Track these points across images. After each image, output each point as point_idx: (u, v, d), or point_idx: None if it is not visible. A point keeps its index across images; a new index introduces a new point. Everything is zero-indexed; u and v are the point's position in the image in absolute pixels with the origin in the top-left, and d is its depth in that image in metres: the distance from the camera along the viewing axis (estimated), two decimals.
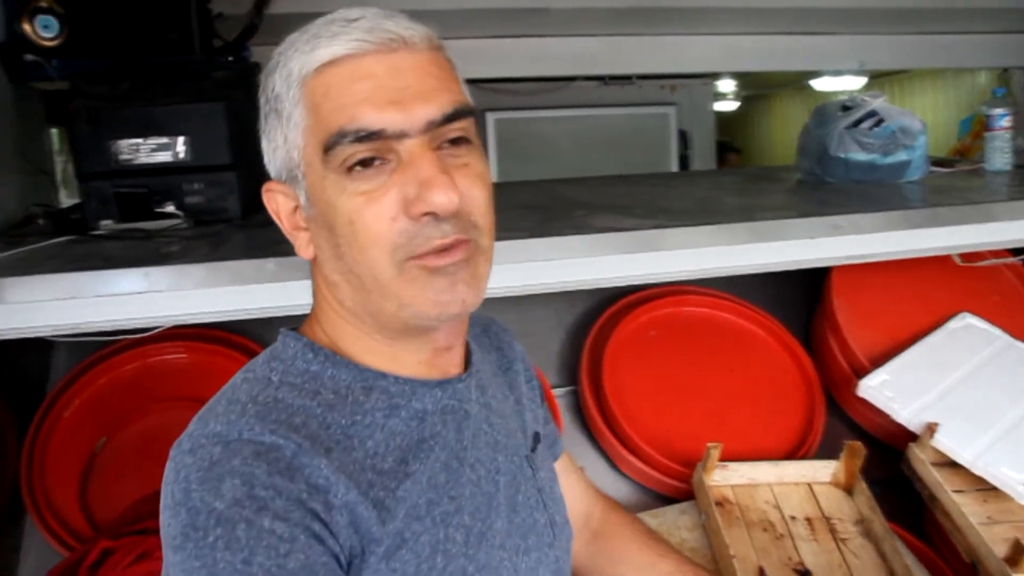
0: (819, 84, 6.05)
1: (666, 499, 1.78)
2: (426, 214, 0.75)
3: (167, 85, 1.63)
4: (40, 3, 1.63)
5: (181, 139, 1.56)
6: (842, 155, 1.99)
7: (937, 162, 2.25)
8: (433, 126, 0.76)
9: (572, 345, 2.01)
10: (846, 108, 2.05)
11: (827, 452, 1.78)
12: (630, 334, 1.94)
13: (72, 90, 1.61)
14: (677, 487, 1.75)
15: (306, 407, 0.78)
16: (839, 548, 1.58)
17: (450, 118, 0.77)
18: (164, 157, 1.56)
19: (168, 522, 0.71)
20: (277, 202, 0.84)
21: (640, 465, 1.76)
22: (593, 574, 1.19)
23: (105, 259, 1.31)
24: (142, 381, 1.71)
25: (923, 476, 1.68)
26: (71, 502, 1.58)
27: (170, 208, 1.58)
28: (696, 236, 1.46)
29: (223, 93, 1.60)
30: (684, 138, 5.37)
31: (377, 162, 0.75)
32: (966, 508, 1.58)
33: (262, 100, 0.83)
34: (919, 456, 1.69)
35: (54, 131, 2.23)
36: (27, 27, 1.63)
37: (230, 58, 1.87)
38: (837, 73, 5.35)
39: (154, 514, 0.78)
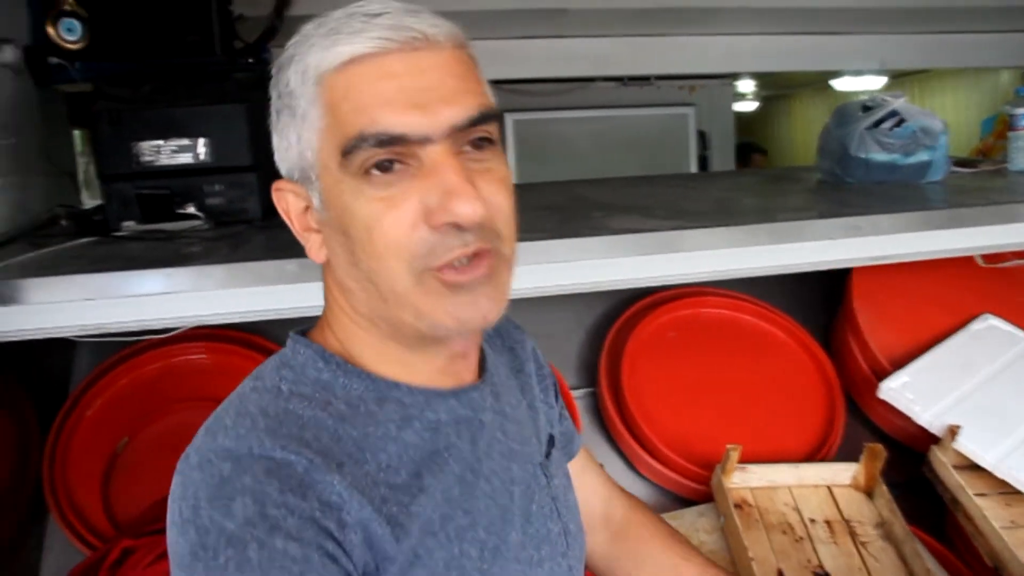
0: (840, 84, 6.01)
1: (685, 501, 1.77)
2: (448, 224, 0.72)
3: (188, 87, 1.64)
4: (64, 7, 1.65)
5: (202, 141, 1.57)
6: (863, 155, 1.98)
7: (959, 162, 2.23)
8: (456, 130, 0.73)
9: (591, 346, 2.01)
10: (867, 108, 2.03)
11: (847, 455, 1.77)
12: (649, 335, 1.93)
13: (94, 92, 1.62)
14: (696, 489, 1.74)
15: (317, 419, 0.75)
16: (859, 551, 1.57)
17: (474, 122, 0.74)
18: (185, 159, 1.57)
19: (176, 540, 0.69)
20: (287, 201, 0.81)
21: (658, 467, 1.76)
22: (615, 575, 1.17)
23: (127, 260, 1.31)
24: (164, 381, 1.72)
25: (945, 479, 1.67)
26: (93, 501, 1.59)
27: (191, 209, 1.58)
28: (715, 237, 1.45)
29: (244, 95, 1.61)
30: (703, 139, 5.35)
31: (397, 166, 0.72)
32: (989, 512, 1.57)
33: (274, 95, 0.80)
34: (940, 459, 1.68)
35: (77, 133, 2.25)
36: (51, 30, 1.65)
37: (250, 60, 1.88)
38: (858, 73, 5.32)
39: None
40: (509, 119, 4.85)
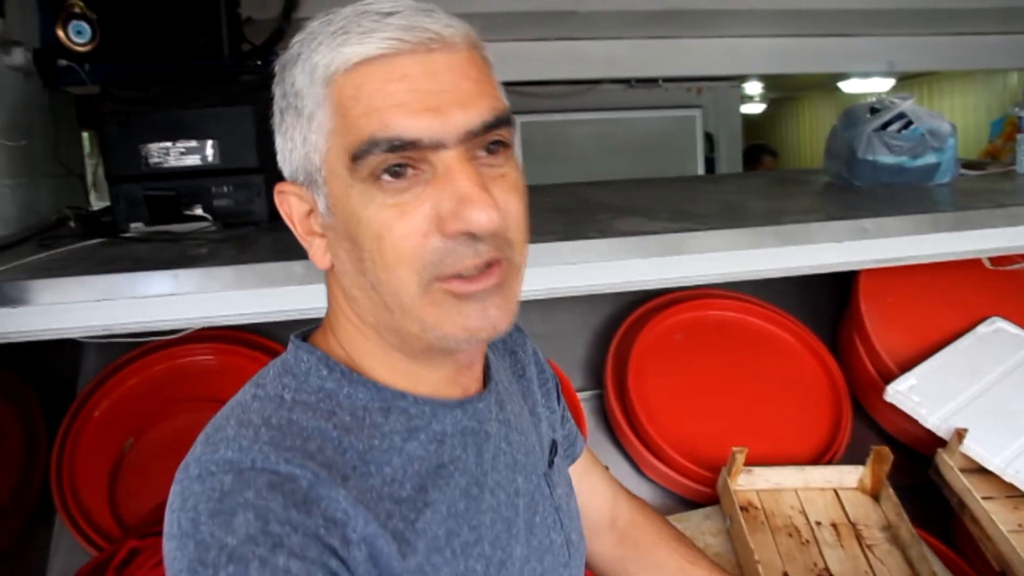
0: (847, 86, 5.99)
1: (691, 503, 1.77)
2: (462, 233, 0.69)
3: (196, 89, 1.64)
4: (73, 9, 1.66)
5: (210, 143, 1.57)
6: (870, 158, 1.98)
7: (967, 165, 2.22)
8: (471, 135, 0.70)
9: (597, 348, 2.01)
10: (874, 110, 2.03)
11: (854, 457, 1.77)
12: (655, 338, 1.93)
13: (103, 94, 1.63)
14: (702, 491, 1.74)
15: (322, 429, 0.73)
16: (865, 554, 1.57)
17: (489, 127, 0.71)
18: (193, 160, 1.58)
19: (174, 554, 0.67)
20: (290, 204, 0.79)
21: (665, 469, 1.76)
22: None
23: (135, 261, 1.32)
24: (170, 382, 1.72)
25: (952, 482, 1.66)
26: (100, 502, 1.60)
27: (198, 211, 1.59)
28: (722, 239, 1.45)
29: (251, 97, 1.61)
30: (710, 141, 5.34)
31: (409, 172, 0.70)
32: (996, 515, 1.56)
33: (278, 93, 0.77)
34: (947, 462, 1.68)
35: (85, 135, 2.26)
36: (60, 33, 1.66)
37: (258, 62, 1.88)
38: (866, 75, 5.30)
39: None
40: (516, 121, 4.84)
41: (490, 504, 0.81)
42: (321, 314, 0.86)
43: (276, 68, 0.77)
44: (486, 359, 0.90)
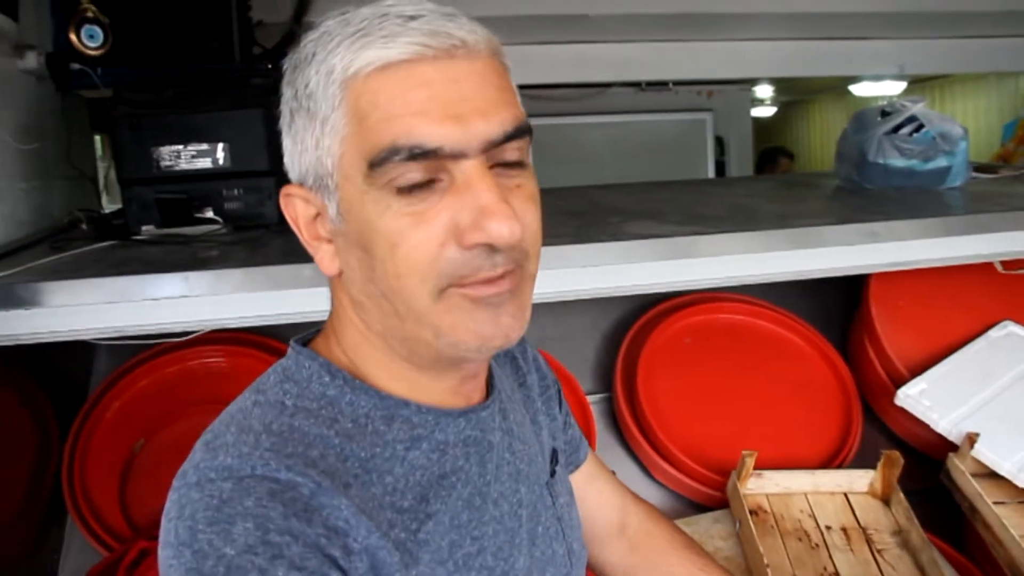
0: (859, 89, 5.97)
1: (700, 507, 1.77)
2: (480, 245, 0.68)
3: (208, 92, 1.65)
4: (86, 14, 1.67)
5: (221, 146, 1.58)
6: (881, 161, 1.97)
7: (979, 168, 2.22)
8: (492, 145, 0.69)
9: (607, 351, 2.01)
10: (885, 114, 2.02)
11: (864, 461, 1.76)
12: (665, 341, 1.93)
13: (115, 97, 1.64)
14: (711, 495, 1.74)
15: (323, 437, 0.72)
16: (875, 559, 1.56)
17: (509, 137, 0.70)
18: (204, 163, 1.58)
19: (170, 562, 0.65)
20: (295, 208, 0.77)
21: (674, 472, 1.76)
22: None
23: (146, 264, 1.33)
24: (180, 384, 1.73)
25: (963, 487, 1.66)
26: (110, 502, 1.60)
27: (209, 214, 1.60)
28: (731, 243, 1.45)
29: (262, 100, 1.62)
30: (721, 144, 5.33)
31: (428, 181, 0.68)
32: (1007, 520, 1.55)
33: (288, 93, 0.74)
34: (959, 467, 1.67)
35: (98, 138, 2.27)
36: (73, 37, 1.67)
37: (270, 65, 1.89)
38: (877, 78, 5.28)
39: None
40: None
41: (493, 515, 0.81)
42: None
43: (286, 67, 0.75)
44: (489, 368, 0.89)
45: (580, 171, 4.68)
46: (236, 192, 1.61)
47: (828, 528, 1.63)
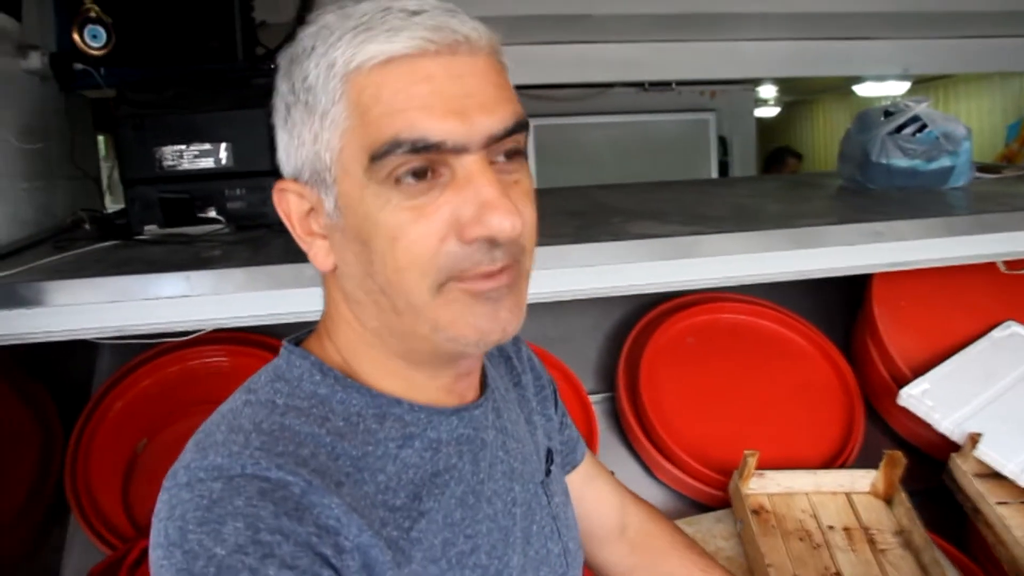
0: (862, 90, 5.96)
1: (702, 507, 1.77)
2: (482, 239, 0.68)
3: (210, 92, 1.65)
4: (89, 14, 1.67)
5: (223, 145, 1.58)
6: (884, 161, 1.97)
7: (983, 168, 2.21)
8: (493, 140, 0.69)
9: (609, 351, 2.01)
10: (888, 114, 2.02)
11: (866, 461, 1.76)
12: (667, 341, 1.93)
13: (118, 98, 1.64)
14: (713, 495, 1.74)
15: (315, 435, 0.72)
16: (877, 559, 1.56)
17: (509, 132, 0.70)
18: (207, 163, 1.58)
19: (160, 563, 0.65)
20: (289, 203, 0.76)
21: (676, 472, 1.76)
22: None
23: (148, 263, 1.33)
24: (183, 383, 1.73)
25: (965, 487, 1.66)
26: (113, 501, 1.61)
27: (212, 213, 1.60)
28: (734, 242, 1.44)
29: (265, 100, 1.61)
30: (724, 144, 5.33)
31: (429, 174, 0.68)
32: (1010, 520, 1.55)
33: (283, 87, 0.75)
34: (961, 467, 1.67)
35: (101, 138, 2.27)
36: (76, 37, 1.67)
37: (272, 66, 1.89)
38: (881, 78, 5.28)
39: None
40: (530, 124, 4.84)
41: (487, 513, 0.80)
42: None
43: (281, 62, 0.75)
44: (483, 367, 0.89)
45: (582, 171, 4.69)
46: (238, 192, 1.61)
47: (830, 528, 1.63)
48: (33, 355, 1.34)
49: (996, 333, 1.91)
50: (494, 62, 0.73)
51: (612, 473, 1.21)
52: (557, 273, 1.35)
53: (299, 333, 0.86)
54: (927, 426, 1.74)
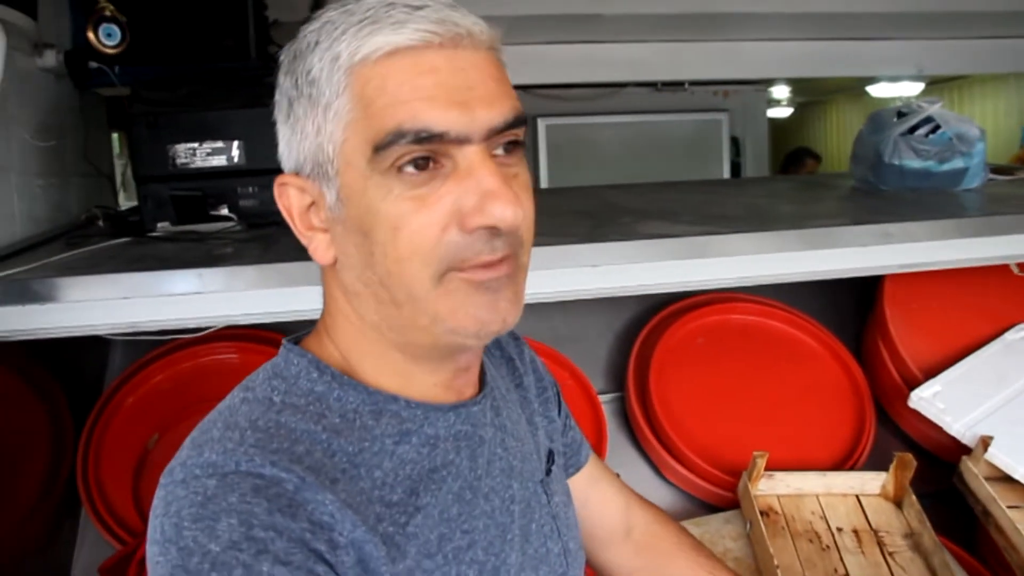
0: (876, 90, 5.95)
1: (711, 507, 1.77)
2: (483, 228, 0.69)
3: (224, 91, 1.66)
4: (104, 12, 1.68)
5: (236, 143, 1.59)
6: (896, 162, 1.96)
7: (997, 169, 2.20)
8: (494, 132, 0.70)
9: (620, 351, 2.01)
10: (901, 114, 2.01)
11: (876, 463, 1.76)
12: (678, 341, 1.93)
13: (131, 95, 1.65)
14: (722, 496, 1.74)
15: (310, 432, 0.72)
16: (886, 561, 1.55)
17: (509, 125, 0.71)
18: (219, 161, 1.59)
19: (156, 559, 0.66)
20: (289, 197, 0.77)
21: (685, 473, 1.76)
22: None
23: (161, 260, 1.33)
24: (194, 380, 1.74)
25: (976, 491, 1.65)
26: (124, 496, 1.62)
27: (224, 211, 1.61)
28: (745, 243, 1.44)
29: None
30: (736, 145, 5.32)
31: (431, 165, 0.69)
32: (1021, 524, 1.54)
33: (286, 83, 0.75)
34: (972, 470, 1.66)
35: (115, 135, 2.29)
36: (91, 35, 1.69)
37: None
38: (895, 79, 5.26)
39: None
40: (542, 124, 4.85)
41: (484, 509, 0.80)
42: None
43: (283, 58, 0.76)
44: (481, 365, 0.89)
45: (594, 171, 4.69)
46: (251, 189, 1.62)
47: (839, 530, 1.62)
48: (46, 351, 1.35)
49: (1009, 335, 1.90)
50: (494, 58, 0.74)
51: (618, 475, 1.20)
52: (567, 273, 1.35)
53: (299, 333, 0.86)
54: (938, 428, 1.73)
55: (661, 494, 1.81)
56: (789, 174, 5.66)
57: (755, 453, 1.64)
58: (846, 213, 1.84)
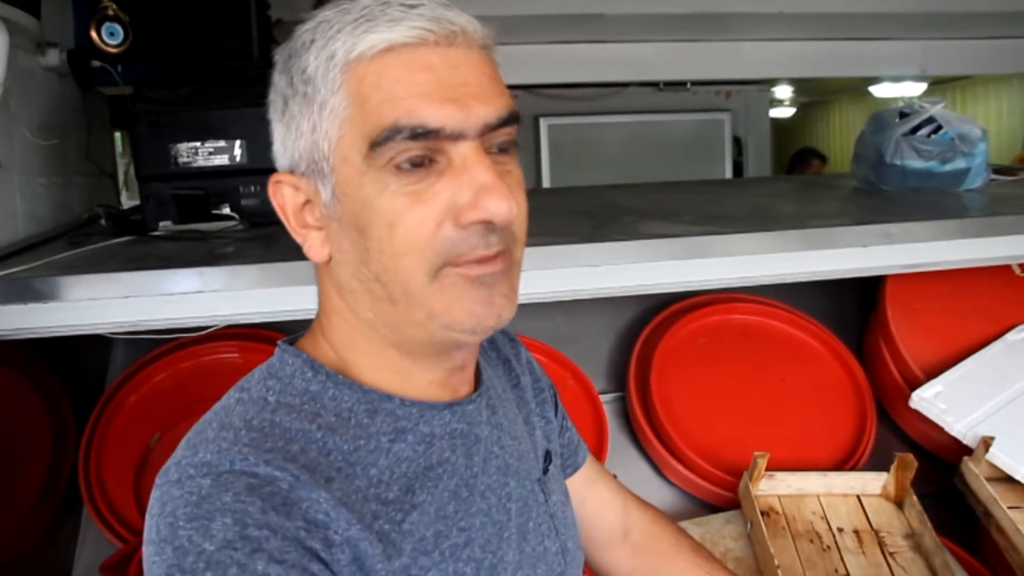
0: (879, 90, 5.95)
1: (712, 507, 1.77)
2: (478, 223, 0.70)
3: (226, 90, 1.66)
4: (107, 11, 1.68)
5: (238, 143, 1.59)
6: (898, 162, 1.96)
7: (999, 170, 2.20)
8: (488, 129, 0.71)
9: (621, 351, 2.01)
10: (903, 115, 2.01)
11: (878, 464, 1.76)
12: (679, 341, 1.93)
13: (134, 94, 1.65)
14: (723, 496, 1.74)
15: (305, 431, 0.72)
16: (887, 562, 1.55)
17: (503, 122, 0.72)
18: (221, 160, 1.59)
19: (152, 559, 0.66)
20: (284, 195, 0.77)
21: (686, 473, 1.76)
22: None
23: (163, 259, 1.34)
24: (196, 378, 1.75)
25: (977, 491, 1.65)
26: (126, 495, 1.62)
27: (226, 210, 1.61)
28: (746, 243, 1.44)
29: None
30: (739, 145, 5.32)
31: (426, 161, 0.70)
32: (1022, 525, 1.54)
33: (281, 81, 0.75)
34: (973, 470, 1.66)
35: (118, 134, 2.29)
36: (94, 34, 1.69)
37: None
38: (897, 79, 5.26)
39: None
40: (543, 123, 4.85)
41: (480, 507, 0.80)
42: None
43: (278, 57, 0.76)
44: (477, 364, 0.88)
45: (596, 171, 4.69)
46: (252, 189, 1.62)
47: (840, 530, 1.62)
48: (48, 349, 1.35)
49: (1010, 336, 1.90)
50: (488, 56, 0.75)
51: (615, 476, 1.20)
52: (569, 272, 1.35)
53: (294, 335, 0.86)
54: (939, 429, 1.72)
55: (662, 494, 1.81)
56: (795, 174, 5.66)
57: (756, 453, 1.64)
58: (848, 213, 1.84)
